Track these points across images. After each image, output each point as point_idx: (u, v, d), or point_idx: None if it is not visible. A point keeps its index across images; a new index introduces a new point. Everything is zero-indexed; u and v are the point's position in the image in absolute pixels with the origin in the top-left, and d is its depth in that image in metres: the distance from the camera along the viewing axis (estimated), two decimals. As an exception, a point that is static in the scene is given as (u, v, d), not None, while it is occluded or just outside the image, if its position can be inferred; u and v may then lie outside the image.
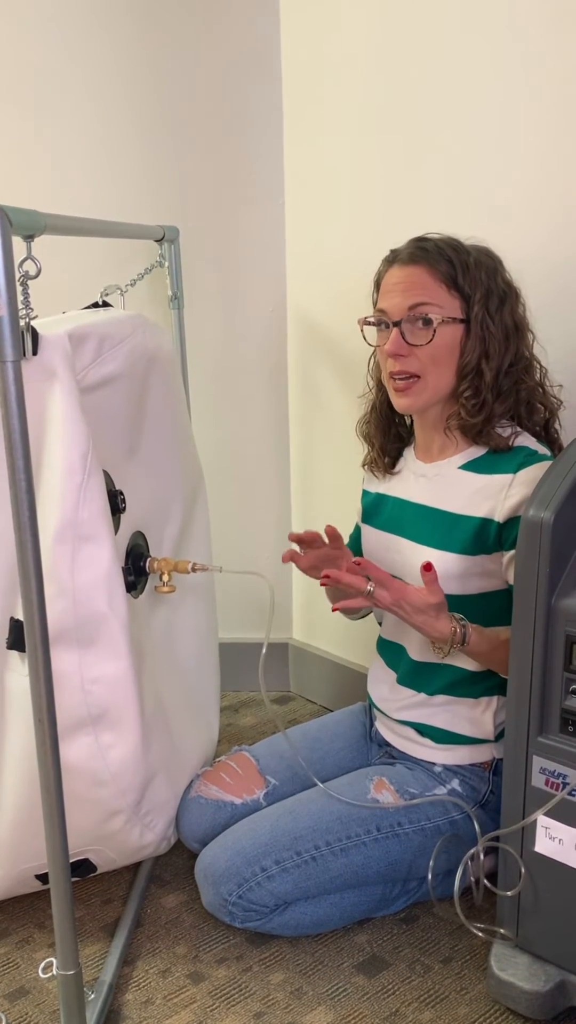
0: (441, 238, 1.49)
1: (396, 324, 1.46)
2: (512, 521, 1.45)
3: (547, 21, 1.57)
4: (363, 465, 1.70)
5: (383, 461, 1.65)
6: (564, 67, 1.56)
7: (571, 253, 1.62)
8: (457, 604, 1.52)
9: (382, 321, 1.50)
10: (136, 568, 1.60)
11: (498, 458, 1.48)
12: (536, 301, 1.62)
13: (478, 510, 1.48)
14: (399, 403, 1.51)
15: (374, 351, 1.61)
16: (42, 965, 1.52)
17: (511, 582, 1.48)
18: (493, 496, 1.46)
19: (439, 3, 1.72)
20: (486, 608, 1.52)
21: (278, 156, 2.10)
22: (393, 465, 1.66)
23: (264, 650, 1.56)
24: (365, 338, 1.56)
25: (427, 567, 1.39)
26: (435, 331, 1.45)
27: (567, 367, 1.65)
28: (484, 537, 1.47)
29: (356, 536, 1.78)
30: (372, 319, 1.52)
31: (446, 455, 1.56)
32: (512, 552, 1.46)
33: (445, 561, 1.50)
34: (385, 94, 1.86)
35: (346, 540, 1.87)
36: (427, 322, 1.45)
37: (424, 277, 1.45)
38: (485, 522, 1.47)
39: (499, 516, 1.45)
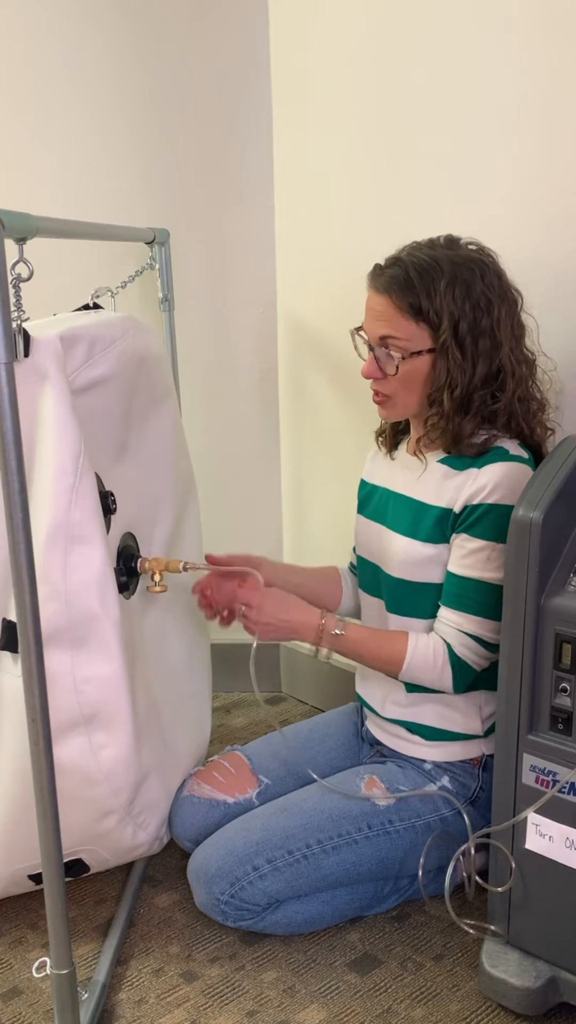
0: (415, 259, 1.46)
1: (371, 349, 1.51)
2: (465, 508, 1.47)
3: (538, 23, 1.58)
4: (376, 438, 1.73)
5: (391, 436, 1.69)
6: (556, 68, 1.58)
7: (564, 254, 1.63)
8: (423, 591, 1.54)
9: (362, 340, 1.54)
10: (127, 568, 1.60)
11: (474, 458, 1.51)
12: (529, 302, 1.63)
13: (441, 500, 1.51)
14: (380, 414, 1.58)
15: None
16: (36, 965, 1.53)
17: (449, 567, 1.51)
18: (458, 488, 1.49)
19: (428, 6, 1.73)
20: None
21: (268, 159, 2.11)
22: (395, 446, 1.68)
23: (254, 647, 1.56)
24: (356, 348, 1.56)
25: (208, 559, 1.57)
26: (398, 367, 1.48)
27: (563, 366, 1.66)
28: (444, 526, 1.50)
29: None
30: (361, 333, 1.54)
31: (431, 449, 1.57)
32: (454, 535, 1.49)
33: (411, 548, 1.53)
34: (374, 96, 1.87)
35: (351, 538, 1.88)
36: (391, 355, 1.48)
37: (390, 310, 1.46)
38: (446, 512, 1.50)
39: (457, 506, 1.48)
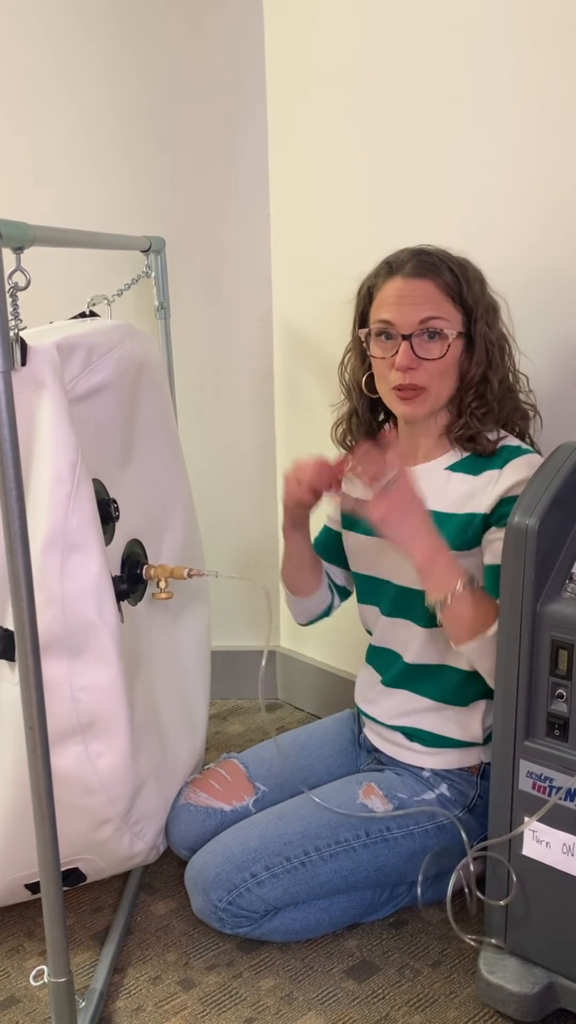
0: (439, 250, 1.50)
1: (406, 337, 1.46)
2: (502, 503, 1.46)
3: (533, 35, 1.59)
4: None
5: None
6: (548, 75, 1.59)
7: (554, 263, 1.64)
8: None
9: (384, 332, 1.49)
10: (133, 576, 1.60)
11: (484, 460, 1.51)
12: (520, 310, 1.64)
13: (464, 507, 1.50)
14: (405, 411, 1.52)
15: (346, 356, 1.62)
16: (33, 973, 1.52)
17: (485, 560, 1.50)
18: (479, 493, 1.49)
19: (424, 15, 1.74)
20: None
21: (263, 167, 2.12)
22: None
23: (264, 661, 1.55)
24: (368, 351, 1.54)
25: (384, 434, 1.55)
26: (449, 345, 1.46)
27: (552, 375, 1.67)
28: (470, 532, 1.49)
29: (322, 538, 1.79)
30: (379, 331, 1.49)
31: (431, 459, 1.57)
32: (492, 529, 1.47)
33: None
34: (369, 106, 1.88)
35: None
36: (439, 336, 1.46)
37: (433, 291, 1.46)
38: (470, 517, 1.49)
39: (484, 507, 1.48)
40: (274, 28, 2.03)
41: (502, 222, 1.70)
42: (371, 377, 1.57)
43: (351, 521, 1.69)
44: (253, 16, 2.04)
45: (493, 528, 1.48)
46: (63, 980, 1.31)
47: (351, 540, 1.69)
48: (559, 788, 1.30)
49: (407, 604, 1.58)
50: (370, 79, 1.86)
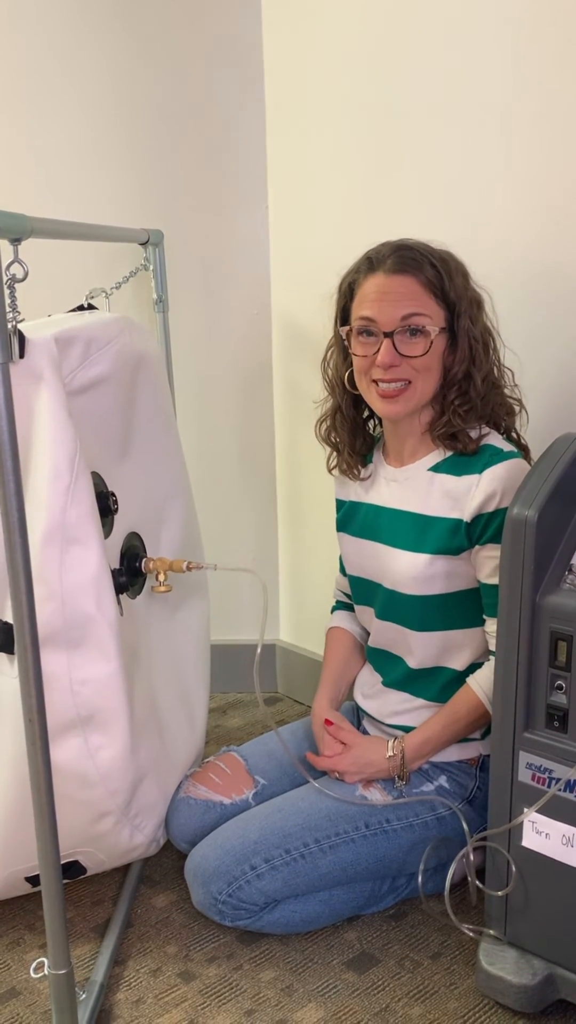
0: (421, 245, 1.49)
1: (388, 335, 1.45)
2: (478, 519, 1.47)
3: (529, 31, 1.59)
4: (331, 470, 1.69)
5: (356, 460, 1.64)
6: (547, 72, 1.58)
7: (551, 256, 1.64)
8: (436, 603, 1.54)
9: (366, 329, 1.48)
10: (132, 569, 1.60)
11: (466, 459, 1.50)
12: (515, 307, 1.63)
13: (449, 512, 1.50)
14: (387, 410, 1.50)
15: (328, 352, 1.61)
16: (33, 965, 1.52)
17: (480, 578, 1.51)
18: (462, 497, 1.48)
19: (423, 10, 1.74)
20: (464, 606, 1.54)
21: (261, 161, 2.11)
22: (364, 464, 1.66)
23: (259, 650, 1.55)
24: (349, 348, 1.53)
25: (327, 723, 1.65)
26: (432, 342, 1.45)
27: (543, 371, 1.67)
28: (455, 538, 1.49)
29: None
30: (360, 328, 1.49)
31: (416, 458, 1.57)
32: (478, 547, 1.48)
33: (420, 562, 1.52)
34: (368, 99, 1.87)
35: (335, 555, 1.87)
36: (420, 333, 1.45)
37: (415, 287, 1.45)
38: (456, 523, 1.49)
39: (466, 516, 1.47)
40: (273, 22, 2.03)
41: (499, 214, 1.69)
42: (353, 373, 1.56)
43: (343, 523, 1.69)
44: (252, 11, 2.03)
45: (480, 547, 1.48)
46: (63, 972, 1.31)
47: (344, 541, 1.69)
48: (558, 779, 1.30)
49: (397, 608, 1.58)
50: (368, 74, 1.86)
